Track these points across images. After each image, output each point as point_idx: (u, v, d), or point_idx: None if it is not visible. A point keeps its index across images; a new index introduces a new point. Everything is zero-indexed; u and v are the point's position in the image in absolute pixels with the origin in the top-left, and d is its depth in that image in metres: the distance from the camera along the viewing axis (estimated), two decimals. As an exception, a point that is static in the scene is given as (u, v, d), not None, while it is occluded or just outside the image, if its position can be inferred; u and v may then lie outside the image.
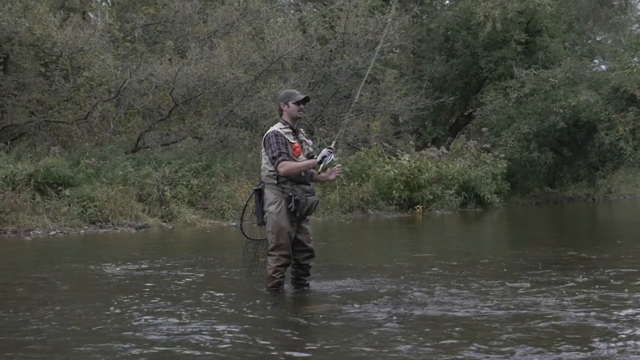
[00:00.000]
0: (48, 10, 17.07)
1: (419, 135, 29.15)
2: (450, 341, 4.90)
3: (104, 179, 15.10)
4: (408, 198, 19.78)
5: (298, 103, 6.53)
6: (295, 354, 4.70)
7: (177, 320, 5.54)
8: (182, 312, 5.85)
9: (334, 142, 6.90)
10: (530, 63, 25.54)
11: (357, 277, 7.58)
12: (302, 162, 6.44)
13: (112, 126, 18.92)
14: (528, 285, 7.03)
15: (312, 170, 6.62)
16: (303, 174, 6.48)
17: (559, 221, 18.66)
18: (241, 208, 15.32)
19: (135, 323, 5.48)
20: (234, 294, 6.69)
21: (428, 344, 4.84)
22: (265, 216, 6.52)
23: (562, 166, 27.28)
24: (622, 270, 7.96)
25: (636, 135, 22.96)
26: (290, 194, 6.40)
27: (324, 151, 6.49)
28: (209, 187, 16.53)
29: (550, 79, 24.06)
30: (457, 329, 5.26)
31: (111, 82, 17.72)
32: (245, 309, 6.01)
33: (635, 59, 25.09)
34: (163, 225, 14.75)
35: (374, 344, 4.84)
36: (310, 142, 6.73)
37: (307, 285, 6.80)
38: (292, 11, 25.09)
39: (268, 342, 4.95)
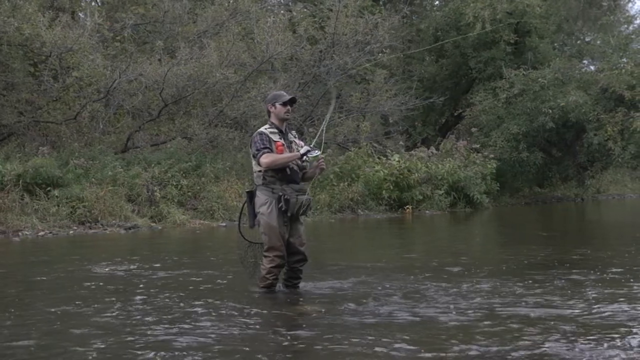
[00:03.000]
0: (37, 10, 16.99)
1: (408, 135, 29.20)
2: (450, 342, 4.88)
3: (93, 179, 15.04)
4: (398, 198, 19.81)
5: (285, 104, 6.53)
6: (286, 353, 4.71)
7: (165, 321, 5.53)
8: (171, 313, 5.84)
9: (313, 143, 6.71)
10: (520, 63, 25.64)
11: (349, 277, 7.58)
12: (285, 155, 6.42)
13: (101, 126, 18.87)
14: (544, 283, 7.15)
15: (299, 163, 6.60)
16: (289, 171, 6.47)
17: (551, 221, 18.73)
18: (231, 208, 15.52)
19: (122, 323, 5.47)
20: (224, 294, 6.69)
21: (423, 343, 4.84)
22: (257, 218, 6.53)
23: (551, 166, 27.40)
24: (633, 268, 8.20)
25: (624, 136, 23.07)
26: (280, 193, 6.41)
27: (305, 148, 6.47)
28: (198, 187, 16.51)
29: (540, 79, 24.17)
30: (468, 328, 5.28)
31: (100, 82, 17.66)
32: (235, 309, 6.00)
33: (624, 59, 25.22)
34: (152, 225, 14.72)
35: (367, 343, 4.83)
36: (301, 143, 6.71)
37: (297, 287, 6.79)
38: (282, 11, 25.09)
39: (258, 342, 4.95)
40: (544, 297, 6.42)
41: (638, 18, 34.76)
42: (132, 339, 5.00)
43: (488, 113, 25.28)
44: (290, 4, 27.38)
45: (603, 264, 8.49)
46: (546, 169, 27.09)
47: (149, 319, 5.64)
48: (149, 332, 5.18)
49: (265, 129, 6.53)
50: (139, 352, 4.65)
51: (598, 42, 30.60)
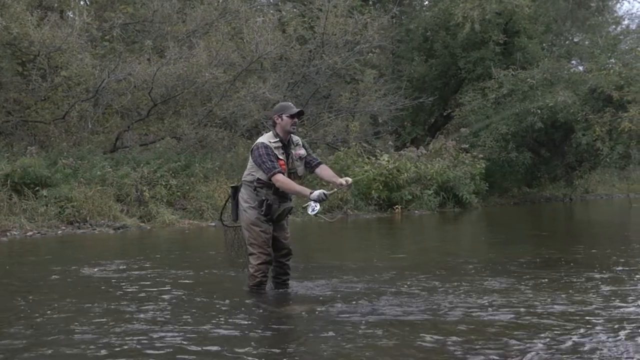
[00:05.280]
0: (25, 9, 16.92)
1: (398, 135, 29.23)
2: (500, 337, 4.94)
3: (81, 179, 14.99)
4: (387, 198, 19.82)
5: (292, 116, 6.44)
6: (277, 353, 4.70)
7: (156, 321, 5.52)
8: (161, 313, 5.83)
9: (332, 191, 6.54)
10: (509, 64, 25.74)
11: (339, 277, 7.59)
12: (297, 186, 6.33)
13: (90, 126, 18.80)
14: (560, 281, 7.26)
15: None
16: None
17: (542, 221, 18.76)
18: (220, 208, 15.46)
19: (110, 325, 5.44)
20: (214, 294, 6.67)
21: (415, 342, 4.86)
22: (239, 214, 6.57)
23: (540, 166, 27.49)
24: (634, 267, 8.36)
25: (612, 136, 23.18)
26: (264, 198, 6.41)
27: (319, 194, 6.17)
28: (187, 187, 16.48)
29: (528, 79, 24.26)
30: (460, 327, 5.30)
31: (89, 82, 17.58)
32: (226, 309, 6.00)
33: (612, 60, 25.35)
34: (141, 225, 14.68)
35: (357, 343, 4.83)
36: (303, 152, 6.63)
37: (287, 285, 6.79)
38: (271, 11, 25.05)
39: (248, 342, 4.94)
40: (566, 294, 6.50)
41: (626, 19, 34.89)
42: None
43: (477, 113, 25.34)
44: (279, 3, 27.32)
45: (608, 262, 8.64)
46: (535, 169, 27.18)
47: (127, 318, 5.64)
48: (123, 334, 5.17)
49: (270, 142, 6.43)
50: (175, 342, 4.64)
51: (586, 42, 30.78)
